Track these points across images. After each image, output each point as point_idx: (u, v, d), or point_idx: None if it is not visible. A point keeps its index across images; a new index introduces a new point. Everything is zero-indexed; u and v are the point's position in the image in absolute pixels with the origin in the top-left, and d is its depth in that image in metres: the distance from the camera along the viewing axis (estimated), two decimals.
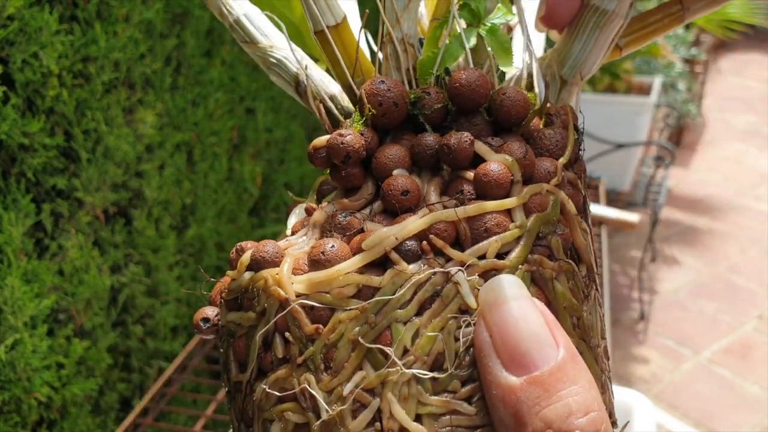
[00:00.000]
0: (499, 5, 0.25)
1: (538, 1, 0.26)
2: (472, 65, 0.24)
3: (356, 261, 0.20)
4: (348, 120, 0.24)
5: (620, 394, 0.68)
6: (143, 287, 0.87)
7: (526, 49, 0.25)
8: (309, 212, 0.23)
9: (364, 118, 0.23)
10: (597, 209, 1.13)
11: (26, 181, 0.69)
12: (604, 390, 0.22)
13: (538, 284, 0.21)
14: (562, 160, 0.23)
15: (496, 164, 0.21)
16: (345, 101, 0.26)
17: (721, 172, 2.79)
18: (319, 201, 0.25)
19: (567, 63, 0.25)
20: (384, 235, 0.20)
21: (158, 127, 0.85)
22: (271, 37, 0.26)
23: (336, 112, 0.26)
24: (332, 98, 0.26)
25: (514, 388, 0.18)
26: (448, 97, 0.23)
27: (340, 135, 0.22)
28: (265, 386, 0.21)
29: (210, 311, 0.23)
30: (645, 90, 2.24)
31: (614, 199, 2.10)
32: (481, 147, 0.22)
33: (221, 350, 0.23)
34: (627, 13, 0.25)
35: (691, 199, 2.62)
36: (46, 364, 0.70)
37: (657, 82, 2.25)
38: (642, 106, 2.18)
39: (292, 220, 0.24)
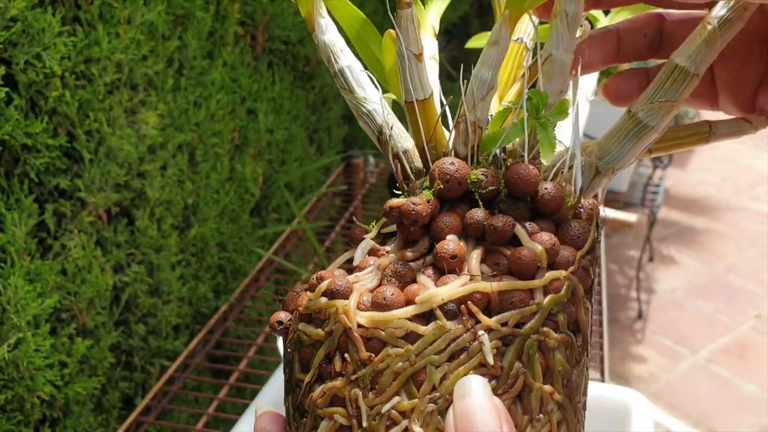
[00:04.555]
0: (558, 102, 0.30)
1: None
2: (527, 148, 0.29)
3: (409, 310, 0.26)
4: (418, 181, 0.29)
5: (618, 393, 0.69)
6: (145, 286, 0.88)
7: (574, 143, 0.30)
8: (374, 253, 0.29)
9: (432, 189, 0.28)
10: None
11: (29, 182, 0.70)
12: None
13: (542, 351, 0.26)
14: (580, 252, 0.28)
15: (528, 251, 0.26)
16: (416, 159, 0.31)
17: (718, 172, 2.80)
18: (381, 237, 0.30)
19: (604, 158, 0.31)
20: (433, 294, 0.26)
21: (160, 128, 0.86)
22: (366, 90, 0.31)
23: (408, 167, 0.31)
24: (406, 153, 0.31)
25: None
26: (503, 182, 0.28)
27: (413, 203, 0.28)
28: (323, 390, 0.26)
29: (283, 315, 0.29)
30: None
31: (612, 199, 2.10)
32: (519, 230, 0.27)
33: (288, 350, 0.28)
34: (663, 130, 0.30)
35: (689, 200, 2.62)
36: (49, 363, 0.71)
37: None
38: None
39: (359, 255, 0.29)
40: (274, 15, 1.09)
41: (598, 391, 0.69)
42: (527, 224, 0.27)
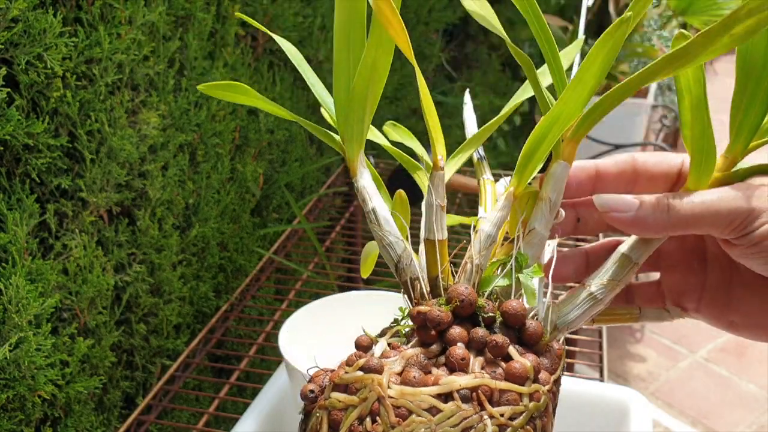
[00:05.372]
0: (535, 265, 0.38)
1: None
2: (513, 291, 0.38)
3: (434, 389, 0.33)
4: (434, 300, 0.37)
5: (617, 391, 0.69)
6: (147, 286, 0.88)
7: (545, 296, 0.39)
8: (394, 347, 0.36)
9: (449, 306, 0.36)
10: None
11: (30, 182, 0.70)
12: None
13: None
14: (554, 377, 0.36)
15: (520, 364, 0.34)
16: (425, 285, 0.39)
17: None
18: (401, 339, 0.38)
19: (561, 318, 0.39)
20: (453, 380, 0.33)
21: (161, 129, 0.86)
22: (390, 225, 0.40)
23: (420, 289, 0.39)
24: (418, 280, 0.39)
25: None
26: (498, 311, 0.36)
27: (439, 311, 0.35)
28: None
29: (313, 386, 0.36)
30: (642, 91, 2.25)
31: None
32: (512, 350, 0.35)
33: (317, 415, 0.35)
34: (608, 303, 0.39)
35: None
36: (50, 362, 0.71)
37: (653, 83, 2.25)
38: (639, 108, 2.19)
39: (378, 350, 0.36)
40: (275, 16, 1.10)
41: (597, 390, 0.69)
42: (516, 347, 0.35)
